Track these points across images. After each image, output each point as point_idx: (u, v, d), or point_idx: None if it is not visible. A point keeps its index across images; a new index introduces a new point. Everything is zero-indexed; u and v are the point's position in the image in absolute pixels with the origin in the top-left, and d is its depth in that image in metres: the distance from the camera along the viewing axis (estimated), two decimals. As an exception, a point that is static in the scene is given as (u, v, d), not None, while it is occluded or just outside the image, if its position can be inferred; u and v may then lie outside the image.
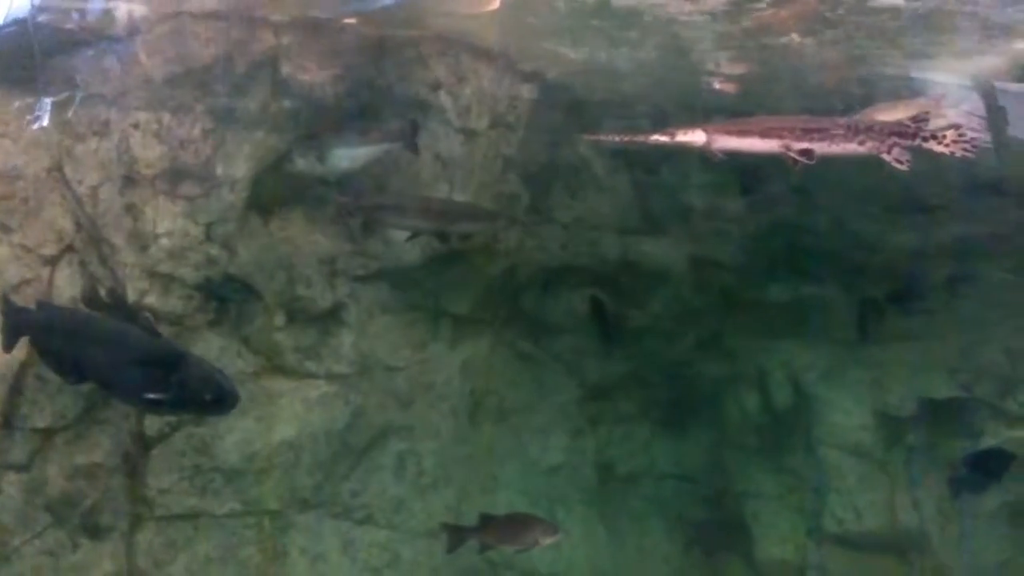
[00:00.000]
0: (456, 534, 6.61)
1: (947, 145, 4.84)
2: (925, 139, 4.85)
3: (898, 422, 7.91)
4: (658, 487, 8.32)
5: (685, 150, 4.96)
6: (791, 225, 7.59)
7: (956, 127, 4.85)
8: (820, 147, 4.83)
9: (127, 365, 5.00)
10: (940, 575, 7.85)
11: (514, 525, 6.71)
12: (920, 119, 4.85)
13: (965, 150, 4.82)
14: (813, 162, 4.80)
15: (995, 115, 6.54)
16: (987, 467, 7.29)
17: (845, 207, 7.40)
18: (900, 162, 4.84)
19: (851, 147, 4.87)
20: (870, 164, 4.88)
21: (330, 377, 6.73)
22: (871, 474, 7.96)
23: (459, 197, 6.82)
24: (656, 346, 8.07)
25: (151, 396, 5.03)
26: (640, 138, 5.01)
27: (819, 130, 4.86)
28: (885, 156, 4.85)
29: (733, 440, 8.29)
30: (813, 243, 7.66)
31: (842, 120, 4.98)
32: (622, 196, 7.73)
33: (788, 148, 4.83)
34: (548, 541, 6.68)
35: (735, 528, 8.24)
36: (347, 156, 6.36)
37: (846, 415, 7.99)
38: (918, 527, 7.88)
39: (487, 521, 6.57)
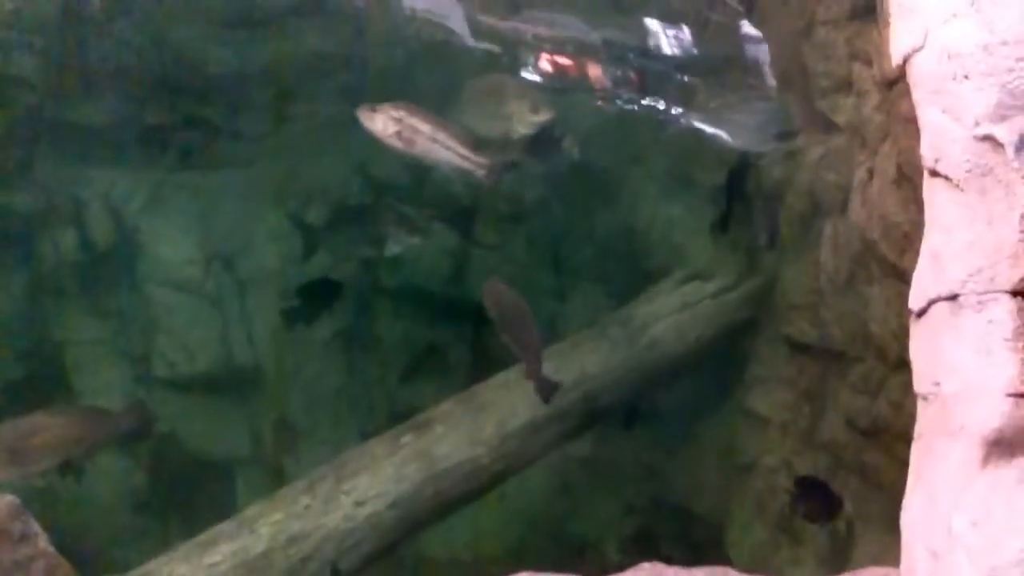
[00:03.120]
0: None
1: None
2: None
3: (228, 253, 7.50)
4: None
5: None
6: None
7: None
8: None
9: None
10: (276, 408, 7.67)
11: None
12: None
13: None
14: None
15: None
16: (317, 296, 7.10)
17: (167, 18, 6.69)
18: None
19: None
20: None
21: None
22: (202, 310, 7.49)
23: None
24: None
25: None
26: None
27: None
28: None
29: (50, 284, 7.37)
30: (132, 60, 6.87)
31: None
32: None
33: None
34: None
35: (55, 382, 7.37)
36: None
37: (173, 248, 7.40)
38: (253, 362, 7.61)
39: None
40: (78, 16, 6.53)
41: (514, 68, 6.87)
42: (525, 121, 6.16)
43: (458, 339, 7.59)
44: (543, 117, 6.15)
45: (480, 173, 5.67)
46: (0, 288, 7.22)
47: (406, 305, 7.64)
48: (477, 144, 5.65)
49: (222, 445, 7.59)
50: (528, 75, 6.85)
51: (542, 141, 6.25)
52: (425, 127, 5.57)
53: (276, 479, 7.13)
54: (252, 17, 6.80)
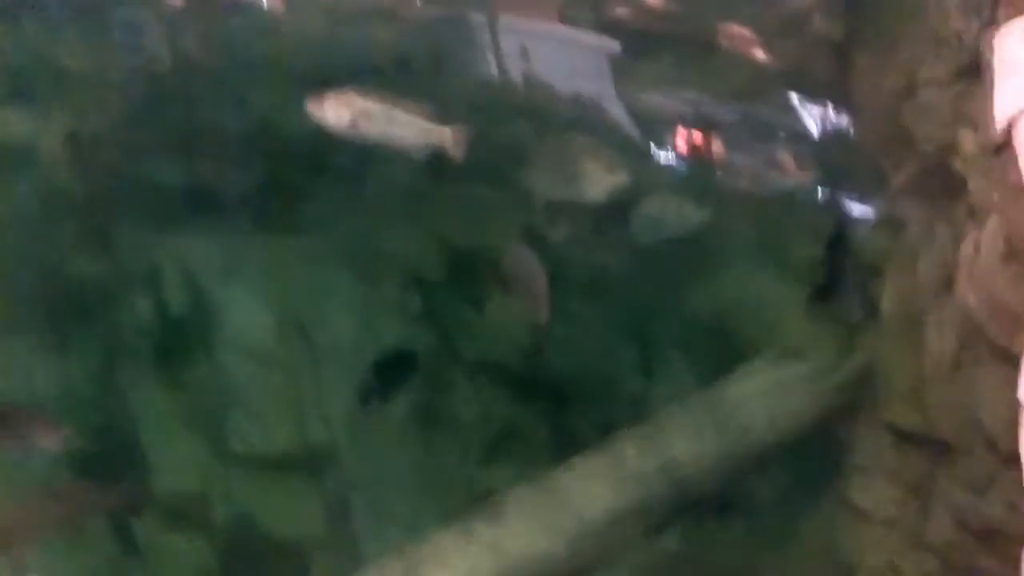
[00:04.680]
0: None
1: None
2: None
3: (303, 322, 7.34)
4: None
5: None
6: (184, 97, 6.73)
7: None
8: None
9: None
10: (352, 487, 7.43)
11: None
12: None
13: None
14: None
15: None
16: (393, 371, 6.90)
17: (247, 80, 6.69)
18: None
19: None
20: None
21: None
22: (276, 382, 7.30)
23: None
24: (24, 242, 6.85)
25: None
26: None
27: None
28: None
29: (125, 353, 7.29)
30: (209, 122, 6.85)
31: None
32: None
33: None
34: (49, 440, 5.84)
35: (129, 458, 7.26)
36: None
37: (247, 316, 7.27)
38: (328, 439, 7.39)
39: None
40: (154, 77, 6.57)
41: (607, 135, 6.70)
42: (599, 182, 5.91)
43: (538, 418, 7.28)
44: (618, 178, 5.88)
45: (447, 143, 5.36)
46: (75, 358, 7.19)
47: (484, 380, 7.36)
48: (435, 115, 5.41)
49: (296, 525, 7.36)
50: (662, 151, 6.70)
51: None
52: (378, 108, 5.34)
53: (350, 561, 6.92)
54: (334, 79, 6.75)
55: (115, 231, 7.05)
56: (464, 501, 6.85)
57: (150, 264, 7.20)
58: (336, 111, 5.29)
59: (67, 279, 7.02)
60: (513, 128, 6.92)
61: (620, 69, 6.85)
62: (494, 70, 6.78)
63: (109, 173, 6.91)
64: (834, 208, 6.11)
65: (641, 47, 6.89)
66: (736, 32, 6.47)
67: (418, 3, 6.51)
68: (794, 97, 6.48)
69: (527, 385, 7.25)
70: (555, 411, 7.21)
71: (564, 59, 6.88)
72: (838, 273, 6.04)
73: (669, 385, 7.00)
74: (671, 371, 7.13)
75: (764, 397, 6.19)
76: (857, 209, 5.91)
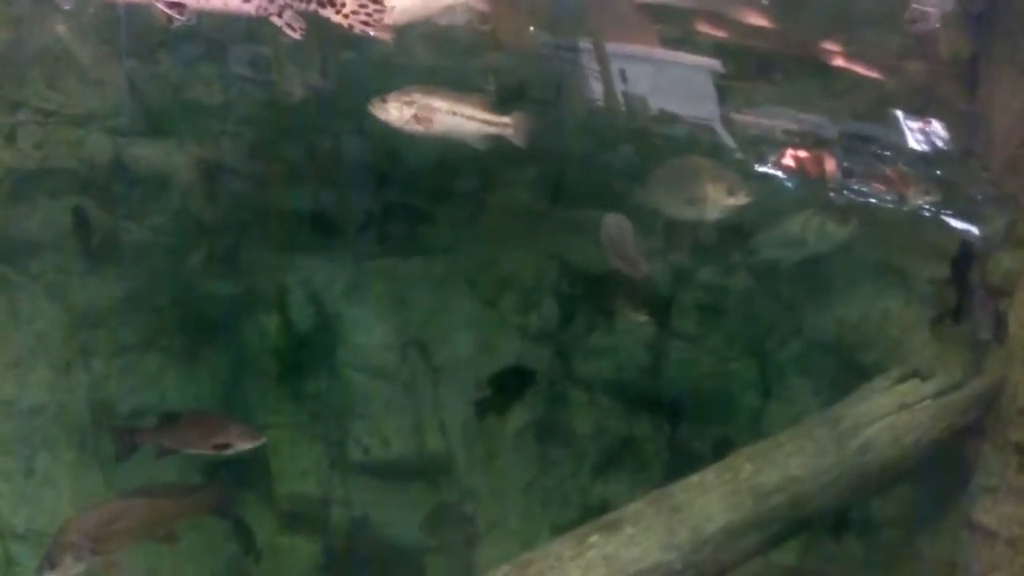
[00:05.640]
0: (126, 437, 5.83)
1: (345, 16, 4.28)
2: (321, 5, 4.27)
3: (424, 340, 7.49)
4: (168, 423, 7.43)
5: None
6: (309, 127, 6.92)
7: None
8: (196, 1, 4.06)
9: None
10: (468, 498, 7.56)
11: (201, 424, 6.01)
12: None
13: (364, 23, 4.28)
14: (187, 19, 4.04)
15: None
16: (510, 385, 6.99)
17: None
18: (293, 28, 4.21)
19: (234, 3, 4.15)
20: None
21: None
22: (397, 397, 7.48)
23: None
24: (160, 264, 7.13)
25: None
26: None
27: None
28: (276, 20, 4.19)
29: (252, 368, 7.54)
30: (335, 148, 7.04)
31: None
32: (113, 89, 6.71)
33: None
34: (247, 445, 5.99)
35: (254, 464, 7.49)
36: None
37: (370, 335, 7.45)
38: (445, 451, 7.54)
39: (168, 420, 5.84)
40: (284, 106, 6.75)
41: (717, 156, 6.72)
42: (720, 205, 5.93)
43: (655, 433, 7.32)
44: (740, 200, 5.91)
45: (509, 133, 5.45)
46: (206, 372, 7.46)
47: (601, 396, 7.43)
48: (495, 106, 5.46)
49: (412, 532, 7.52)
50: (765, 169, 6.70)
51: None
52: (441, 103, 5.42)
53: (465, 569, 7.05)
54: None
55: (244, 254, 7.32)
56: (578, 513, 6.94)
57: (278, 285, 7.46)
58: (399, 109, 5.37)
59: (199, 299, 7.31)
60: (626, 150, 6.98)
61: (730, 89, 6.85)
62: (604, 95, 6.83)
63: (239, 200, 7.15)
64: (960, 228, 6.05)
65: (750, 67, 6.88)
66: (855, 52, 6.44)
67: (531, 31, 6.59)
68: (918, 117, 6.42)
69: (643, 401, 7.31)
70: (671, 427, 7.25)
71: (670, 81, 6.90)
72: (965, 293, 5.98)
73: (788, 403, 7.01)
74: (790, 389, 7.14)
75: (886, 416, 6.14)
76: (984, 229, 5.83)
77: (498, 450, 7.52)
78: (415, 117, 5.38)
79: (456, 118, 5.47)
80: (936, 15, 6.06)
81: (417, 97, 5.38)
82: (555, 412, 7.49)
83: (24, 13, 6.21)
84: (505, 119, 5.48)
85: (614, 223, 6.09)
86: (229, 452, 6.10)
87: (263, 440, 6.18)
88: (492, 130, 5.51)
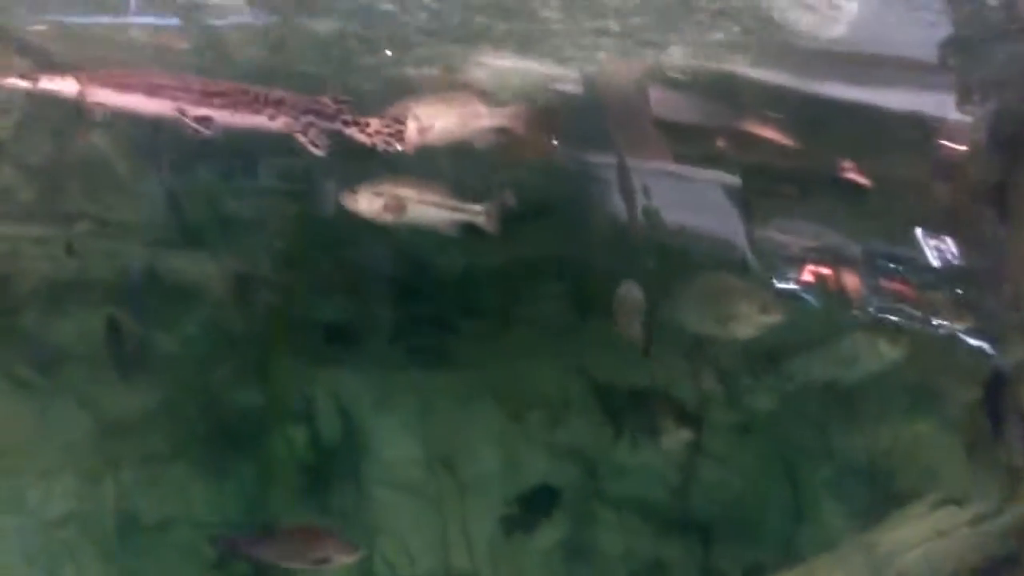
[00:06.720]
0: (229, 546, 5.95)
1: (370, 135, 4.37)
2: (346, 124, 4.43)
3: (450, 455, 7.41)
4: (194, 535, 7.30)
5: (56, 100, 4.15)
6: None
7: (384, 118, 4.38)
8: (222, 116, 4.19)
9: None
10: (495, 619, 7.39)
11: (301, 538, 6.09)
12: (343, 100, 4.33)
13: (387, 142, 4.37)
14: (213, 133, 4.12)
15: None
16: (537, 503, 6.89)
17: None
18: (316, 145, 4.29)
19: (260, 120, 4.29)
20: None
21: None
22: (423, 513, 7.37)
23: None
24: (189, 374, 7.14)
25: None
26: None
27: (221, 95, 4.21)
28: (300, 137, 4.28)
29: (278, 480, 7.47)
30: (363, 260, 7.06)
31: (252, 88, 4.36)
32: (149, 200, 6.82)
33: (183, 113, 4.11)
34: (346, 559, 6.09)
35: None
36: None
37: (396, 449, 7.38)
38: (472, 570, 7.38)
39: (267, 533, 5.97)
40: (315, 219, 6.80)
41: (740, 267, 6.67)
42: (754, 322, 5.88)
43: (685, 556, 7.13)
44: (772, 319, 5.85)
45: (480, 220, 5.43)
46: (233, 483, 7.39)
47: (630, 516, 7.27)
48: (463, 192, 5.44)
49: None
50: (783, 283, 6.64)
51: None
52: (409, 192, 5.39)
53: None
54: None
55: (273, 365, 7.30)
56: (608, 637, 6.75)
57: (305, 396, 7.44)
58: (368, 200, 5.42)
59: (227, 409, 7.28)
60: (650, 266, 6.94)
61: (754, 206, 6.82)
62: (626, 210, 6.83)
63: (269, 311, 7.17)
64: (991, 352, 5.92)
65: (772, 184, 6.86)
66: (882, 173, 6.42)
67: (554, 145, 6.65)
68: (946, 240, 6.35)
69: (673, 522, 7.15)
70: (701, 549, 7.07)
71: (690, 197, 6.89)
72: (999, 418, 5.81)
73: (821, 528, 6.80)
74: (823, 514, 6.94)
75: (922, 543, 5.94)
76: (1015, 353, 5.69)
77: (525, 570, 7.36)
78: (385, 207, 5.43)
79: (425, 207, 5.52)
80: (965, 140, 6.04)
81: (386, 188, 5.44)
82: (583, 531, 7.33)
83: (62, 126, 6.33)
84: (476, 207, 5.53)
85: (626, 291, 6.23)
86: (329, 566, 6.12)
87: (362, 553, 6.14)
88: (464, 217, 5.55)
